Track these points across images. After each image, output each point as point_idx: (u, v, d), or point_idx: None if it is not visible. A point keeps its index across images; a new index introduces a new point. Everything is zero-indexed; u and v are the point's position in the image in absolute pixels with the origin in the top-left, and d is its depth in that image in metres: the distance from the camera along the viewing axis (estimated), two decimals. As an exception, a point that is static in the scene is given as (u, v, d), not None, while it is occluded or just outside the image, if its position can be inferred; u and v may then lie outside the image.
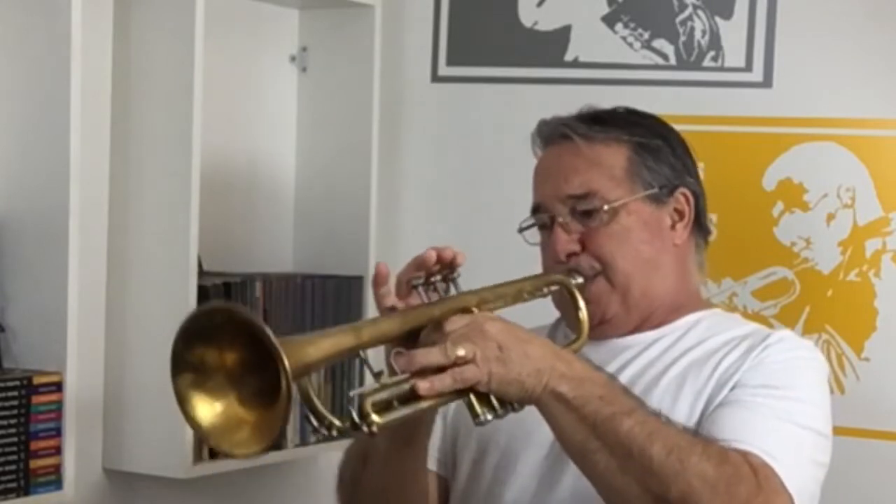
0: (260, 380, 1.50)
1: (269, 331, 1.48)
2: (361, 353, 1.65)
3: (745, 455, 1.74)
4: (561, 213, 1.97)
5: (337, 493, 2.00)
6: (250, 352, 1.51)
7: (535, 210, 2.02)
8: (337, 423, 1.59)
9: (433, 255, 1.78)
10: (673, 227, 2.00)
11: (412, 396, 1.65)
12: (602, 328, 1.97)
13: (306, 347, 1.57)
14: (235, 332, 1.51)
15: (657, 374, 1.92)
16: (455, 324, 1.72)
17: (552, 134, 2.03)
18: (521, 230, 2.03)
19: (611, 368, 1.92)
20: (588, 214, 1.95)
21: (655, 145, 2.00)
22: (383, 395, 1.64)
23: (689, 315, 2.00)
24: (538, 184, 2.03)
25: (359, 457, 1.95)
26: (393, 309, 1.76)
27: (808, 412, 1.84)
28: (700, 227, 2.04)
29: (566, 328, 2.02)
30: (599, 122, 2.01)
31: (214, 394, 1.54)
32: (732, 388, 1.85)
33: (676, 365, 1.92)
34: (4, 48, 2.42)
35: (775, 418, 1.80)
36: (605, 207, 1.94)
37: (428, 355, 1.67)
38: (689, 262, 2.04)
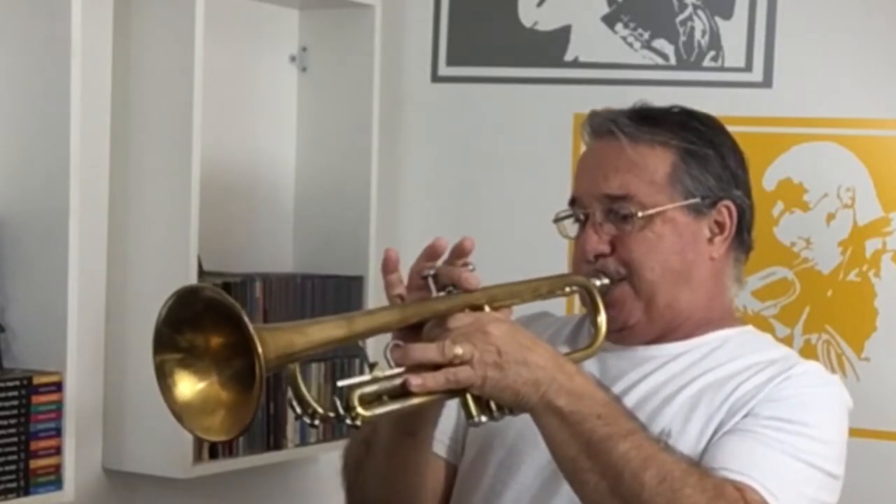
0: (244, 364, 1.49)
1: (245, 318, 1.48)
2: (360, 342, 1.64)
3: (742, 490, 1.69)
4: (596, 210, 1.91)
5: (342, 476, 1.98)
6: (235, 336, 1.50)
7: (572, 202, 1.96)
8: (320, 410, 1.57)
9: (444, 244, 1.74)
10: (711, 240, 1.93)
11: (403, 392, 1.63)
12: (623, 334, 1.92)
13: (291, 335, 1.56)
14: (219, 316, 1.51)
15: (674, 391, 1.87)
16: (459, 321, 1.69)
17: (600, 128, 1.95)
18: (556, 220, 1.97)
19: (631, 378, 1.90)
20: (622, 217, 1.89)
21: (704, 153, 1.93)
22: (373, 387, 1.61)
23: (718, 331, 1.94)
24: (579, 177, 1.98)
25: (362, 442, 1.92)
26: (401, 298, 1.74)
27: (820, 451, 1.78)
28: (742, 241, 1.97)
29: (591, 326, 1.99)
30: (649, 123, 1.93)
31: (194, 374, 1.54)
32: (745, 416, 1.79)
33: (694, 384, 1.87)
34: (4, 48, 2.42)
35: (783, 453, 1.75)
36: (640, 214, 1.88)
37: (424, 351, 1.65)
38: (725, 277, 1.97)
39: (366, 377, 1.62)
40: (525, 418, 1.74)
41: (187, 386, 1.54)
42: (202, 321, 1.53)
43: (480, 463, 1.96)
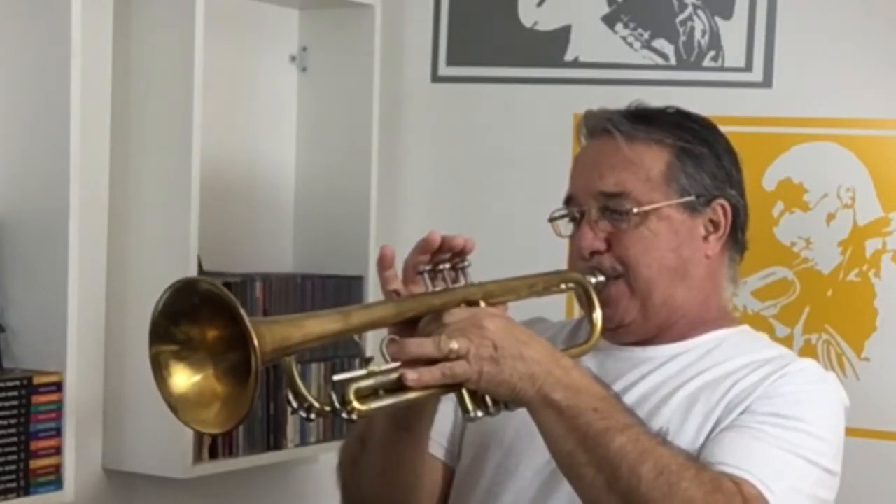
0: (240, 357, 1.49)
1: (242, 310, 1.47)
2: (357, 337, 1.64)
3: (739, 484, 1.70)
4: (592, 208, 1.92)
5: (337, 473, 1.98)
6: (231, 329, 1.50)
7: (568, 201, 1.97)
8: (316, 404, 1.57)
9: (437, 238, 1.75)
10: (706, 238, 1.94)
11: (399, 386, 1.63)
12: (619, 332, 1.93)
13: (287, 329, 1.56)
14: (215, 309, 1.51)
15: (671, 390, 1.88)
16: (454, 316, 1.70)
17: (596, 127, 1.97)
18: (551, 219, 1.98)
19: (628, 379, 1.90)
20: (618, 214, 1.90)
21: (699, 152, 1.94)
22: (369, 382, 1.61)
23: (714, 331, 1.95)
24: (574, 175, 1.98)
25: (358, 438, 1.92)
26: (397, 294, 1.74)
27: (816, 447, 1.78)
28: (736, 240, 1.98)
29: (587, 325, 1.97)
30: (645, 122, 1.95)
31: (190, 366, 1.54)
32: (742, 413, 1.80)
33: (691, 383, 1.87)
34: (4, 48, 2.42)
35: (779, 448, 1.75)
36: (636, 210, 1.89)
37: (420, 346, 1.65)
38: (721, 276, 1.97)
39: (362, 371, 1.62)
40: (522, 419, 1.74)
41: (183, 378, 1.54)
42: (199, 314, 1.53)
43: (477, 465, 1.96)
